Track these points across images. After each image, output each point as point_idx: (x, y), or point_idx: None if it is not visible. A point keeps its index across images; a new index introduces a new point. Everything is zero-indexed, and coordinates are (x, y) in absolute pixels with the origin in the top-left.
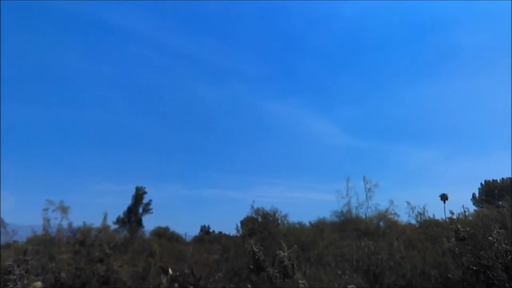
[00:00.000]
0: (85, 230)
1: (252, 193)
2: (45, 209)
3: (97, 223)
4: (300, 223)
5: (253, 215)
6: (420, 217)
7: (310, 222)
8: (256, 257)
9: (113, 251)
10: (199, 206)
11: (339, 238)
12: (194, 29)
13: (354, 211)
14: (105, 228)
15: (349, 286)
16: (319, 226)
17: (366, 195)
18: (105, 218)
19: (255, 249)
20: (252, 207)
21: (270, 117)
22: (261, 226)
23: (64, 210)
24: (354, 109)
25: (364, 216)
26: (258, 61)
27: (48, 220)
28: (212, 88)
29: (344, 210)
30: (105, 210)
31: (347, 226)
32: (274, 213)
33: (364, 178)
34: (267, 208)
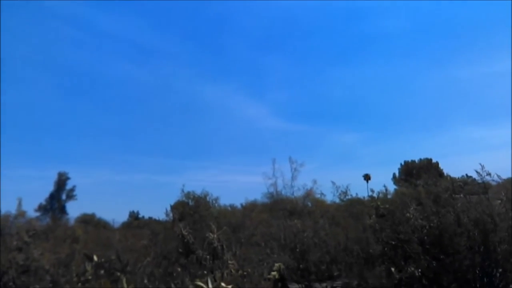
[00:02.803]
0: (1, 218)
1: (183, 177)
2: None
3: (13, 210)
4: (231, 206)
5: (184, 199)
6: (344, 196)
7: (241, 204)
8: (186, 240)
9: (33, 239)
10: (128, 191)
11: (268, 218)
12: (119, 7)
13: (282, 191)
14: (21, 214)
15: (276, 264)
16: (250, 208)
17: (292, 175)
18: (19, 204)
19: (184, 232)
20: (183, 191)
21: (201, 100)
22: (192, 209)
23: None
24: (283, 93)
25: (291, 196)
26: (188, 43)
27: None
28: (141, 68)
29: (271, 190)
30: (25, 197)
31: (276, 207)
32: (205, 196)
33: (290, 158)
34: (198, 191)
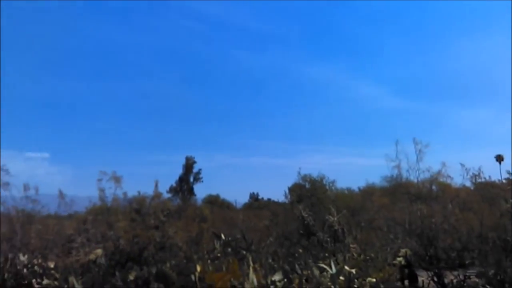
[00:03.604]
0: (140, 199)
1: (298, 160)
2: (100, 180)
3: (150, 192)
4: (348, 189)
5: (301, 181)
6: (475, 178)
7: (359, 188)
8: (306, 222)
9: (167, 218)
10: (247, 174)
11: (389, 202)
12: None
13: (404, 174)
14: (157, 195)
15: (402, 250)
16: (369, 191)
17: (417, 157)
18: (156, 186)
19: (304, 214)
20: (299, 173)
21: (313, 82)
22: (309, 192)
23: (117, 180)
24: (401, 69)
25: (415, 180)
26: (294, 24)
27: (103, 190)
28: (253, 54)
29: (394, 174)
30: (157, 179)
31: (398, 190)
32: (322, 179)
33: (414, 139)
34: (314, 174)
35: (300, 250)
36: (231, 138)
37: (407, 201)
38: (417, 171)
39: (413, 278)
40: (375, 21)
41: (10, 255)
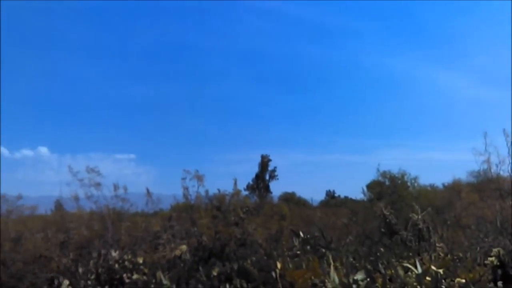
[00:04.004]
0: (220, 196)
1: (374, 156)
2: (183, 178)
3: (230, 190)
4: (432, 186)
5: (380, 178)
6: None
7: (443, 184)
8: (387, 220)
9: (246, 215)
10: (322, 171)
11: (478, 199)
12: None
13: (494, 169)
14: (237, 193)
15: (495, 249)
16: (455, 187)
17: (508, 151)
18: (235, 183)
19: (385, 212)
20: (378, 170)
21: (390, 75)
22: (389, 189)
23: (199, 178)
24: (486, 57)
25: (506, 174)
26: (367, 17)
27: (187, 188)
28: (325, 50)
29: (482, 168)
30: (236, 177)
31: (487, 186)
32: (403, 175)
33: (503, 131)
34: (394, 171)
35: (382, 249)
36: (305, 136)
37: (498, 198)
38: (508, 165)
39: (508, 279)
40: (456, 9)
41: (103, 251)
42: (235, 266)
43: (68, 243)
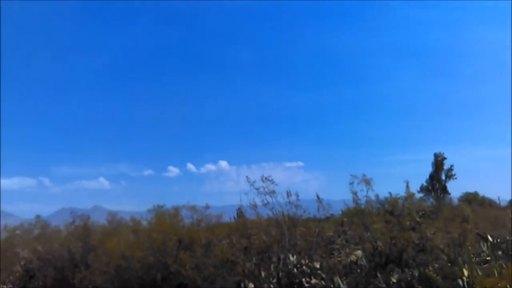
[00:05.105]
0: (392, 200)
1: None
2: (351, 183)
3: (401, 193)
4: None
5: None
6: None
7: None
8: None
9: (423, 219)
10: (509, 166)
11: None
12: None
13: None
14: (410, 196)
15: None
16: None
17: None
18: (408, 186)
19: None
20: None
21: None
22: None
23: (367, 182)
24: None
25: None
26: None
27: (356, 193)
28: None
29: None
30: (408, 179)
31: None
32: None
33: None
34: None
35: None
36: (482, 128)
37: None
38: None
39: None
40: None
41: (281, 256)
42: (416, 273)
43: (250, 248)
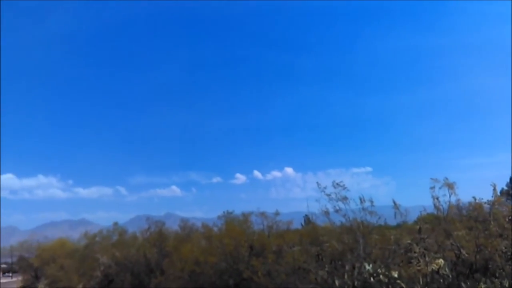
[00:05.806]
0: (476, 205)
1: None
2: (432, 188)
3: (484, 197)
4: None
5: None
6: None
7: None
8: None
9: (510, 225)
10: None
11: None
12: None
13: None
14: (497, 200)
15: None
16: None
17: None
18: (495, 189)
19: None
20: None
21: None
22: None
23: (450, 186)
24: None
25: None
26: None
27: (437, 198)
28: None
29: None
30: (495, 183)
31: None
32: None
33: None
34: None
35: None
36: None
37: None
38: None
39: None
40: None
41: (356, 264)
42: (506, 283)
43: (322, 255)
